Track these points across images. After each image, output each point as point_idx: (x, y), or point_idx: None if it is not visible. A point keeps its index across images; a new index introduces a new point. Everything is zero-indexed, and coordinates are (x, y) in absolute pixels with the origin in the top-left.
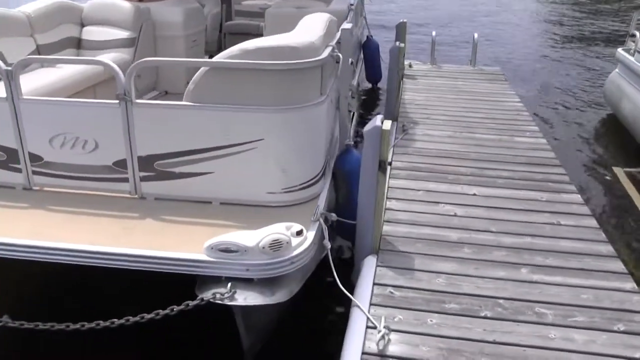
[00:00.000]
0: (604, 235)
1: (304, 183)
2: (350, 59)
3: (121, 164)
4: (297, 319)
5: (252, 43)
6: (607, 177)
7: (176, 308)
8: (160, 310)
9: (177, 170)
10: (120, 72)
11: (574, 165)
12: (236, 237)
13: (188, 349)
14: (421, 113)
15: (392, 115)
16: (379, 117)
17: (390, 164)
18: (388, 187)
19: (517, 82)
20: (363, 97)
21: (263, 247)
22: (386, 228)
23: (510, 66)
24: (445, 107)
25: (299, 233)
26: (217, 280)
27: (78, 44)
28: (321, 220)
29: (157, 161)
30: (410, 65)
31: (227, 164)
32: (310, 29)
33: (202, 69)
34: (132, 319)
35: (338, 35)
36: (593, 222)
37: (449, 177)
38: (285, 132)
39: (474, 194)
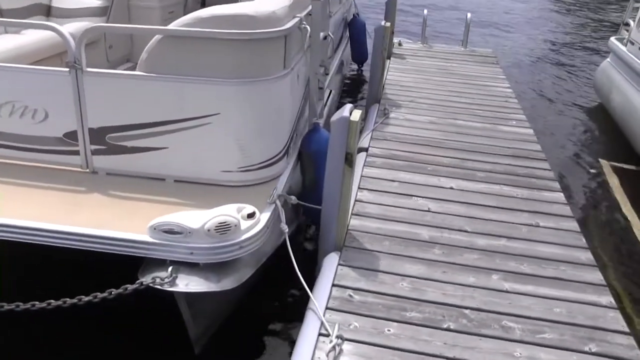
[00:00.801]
0: (584, 240)
1: (263, 162)
2: (323, 34)
3: (72, 136)
4: (254, 307)
5: (208, 10)
6: (593, 171)
7: (114, 291)
8: (99, 294)
9: (129, 144)
10: (71, 39)
11: (560, 157)
12: (180, 218)
13: (136, 335)
14: (405, 96)
15: (374, 97)
16: (348, 107)
17: (366, 150)
18: (362, 176)
19: (509, 66)
20: (347, 81)
21: (208, 230)
22: (354, 222)
23: (505, 50)
24: (430, 90)
25: (251, 215)
26: (162, 264)
27: (48, 11)
28: (278, 203)
29: (109, 134)
30: (399, 44)
31: (182, 139)
32: None
33: (155, 37)
34: (69, 301)
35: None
36: (574, 225)
37: (427, 167)
38: (242, 106)
39: (451, 188)
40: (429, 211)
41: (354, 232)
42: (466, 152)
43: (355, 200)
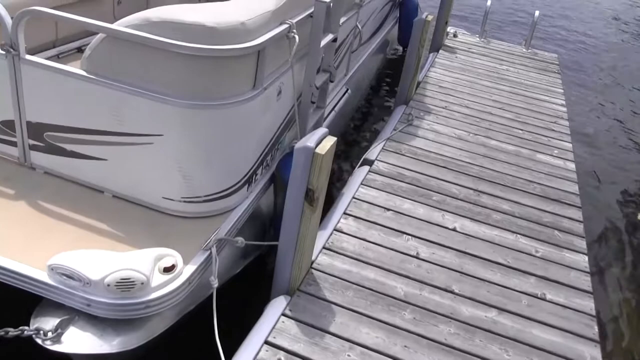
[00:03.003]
0: (596, 330)
1: (211, 195)
2: (332, 36)
3: (10, 125)
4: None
5: (159, 12)
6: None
7: None
8: None
9: (68, 147)
10: (7, 17)
11: (600, 207)
12: (80, 264)
13: None
14: (440, 100)
15: (403, 98)
16: (319, 133)
17: (371, 164)
18: (353, 197)
19: (573, 78)
20: (388, 71)
21: (108, 285)
22: (322, 259)
23: (576, 56)
24: (471, 97)
25: (168, 269)
26: (60, 307)
27: None
28: (213, 251)
29: (47, 132)
30: (454, 35)
31: (121, 154)
32: (256, 1)
33: (100, 34)
34: None
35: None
36: (589, 306)
37: (433, 197)
38: (189, 132)
39: (454, 229)
40: (415, 257)
41: (316, 272)
42: (486, 184)
43: (334, 230)
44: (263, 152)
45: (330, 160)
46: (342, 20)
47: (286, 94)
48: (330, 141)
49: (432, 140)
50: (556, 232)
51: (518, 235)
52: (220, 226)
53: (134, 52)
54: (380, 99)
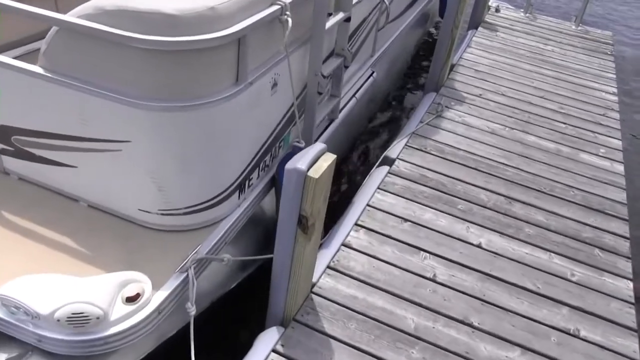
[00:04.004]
0: None
1: (193, 207)
2: (339, 17)
3: None
4: None
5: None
6: None
7: None
8: None
9: (37, 152)
10: None
11: None
12: (28, 295)
13: None
14: (475, 86)
15: (433, 84)
16: (314, 150)
17: (391, 163)
18: (367, 205)
19: (631, 60)
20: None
21: (58, 320)
22: (324, 281)
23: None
24: (510, 83)
25: (132, 299)
26: (15, 340)
27: None
28: (190, 273)
29: (15, 135)
30: (496, 10)
31: (91, 161)
32: None
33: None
34: None
35: None
36: (632, 347)
37: (458, 205)
38: (159, 137)
39: (479, 245)
40: (431, 280)
41: (316, 298)
42: (520, 189)
43: (342, 245)
44: (258, 153)
45: (329, 182)
46: None
47: (285, 85)
48: (327, 160)
49: (462, 136)
50: (597, 250)
51: (552, 254)
52: (202, 243)
53: (91, 46)
54: (415, 83)
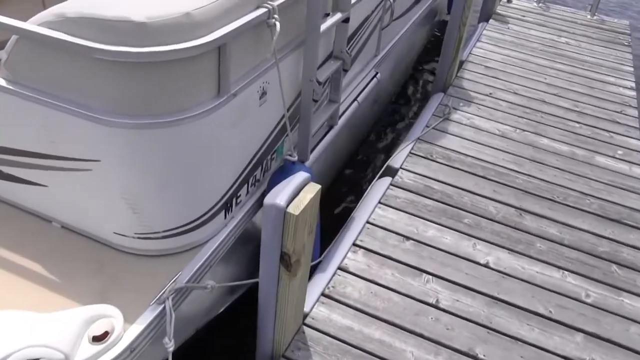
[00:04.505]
0: None
1: (172, 230)
2: (335, 18)
3: None
4: None
5: (79, 4)
6: None
7: None
8: None
9: (4, 169)
10: None
11: None
12: None
13: None
14: (484, 84)
15: (440, 84)
16: (295, 181)
17: (395, 173)
18: (367, 221)
19: None
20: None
21: None
22: (318, 310)
23: None
24: (521, 79)
25: (99, 339)
26: None
27: None
28: (167, 305)
29: None
30: (508, 0)
31: (60, 180)
32: None
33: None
34: None
35: None
36: None
37: (464, 219)
38: (130, 156)
39: (486, 265)
40: (434, 306)
41: (309, 331)
42: (532, 199)
43: (338, 268)
44: (246, 168)
45: (313, 214)
46: None
47: (276, 94)
48: (310, 192)
49: (471, 140)
50: (614, 266)
51: (565, 273)
52: (182, 270)
53: (55, 56)
54: (423, 82)
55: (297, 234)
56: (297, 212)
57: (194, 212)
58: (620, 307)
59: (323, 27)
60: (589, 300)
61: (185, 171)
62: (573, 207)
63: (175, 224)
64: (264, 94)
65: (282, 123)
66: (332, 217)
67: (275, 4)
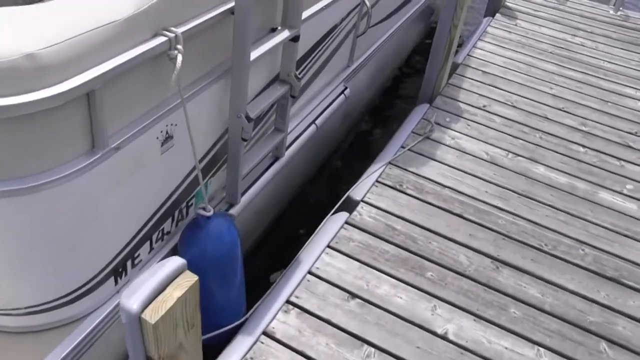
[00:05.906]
0: None
1: (38, 306)
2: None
3: None
4: None
5: None
6: None
7: None
8: None
9: None
10: None
11: None
12: None
13: None
14: (479, 94)
15: (426, 94)
16: (162, 273)
17: (354, 207)
18: (308, 273)
19: None
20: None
21: None
22: None
23: None
24: (523, 89)
25: None
26: None
27: None
28: None
29: None
30: None
31: None
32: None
33: None
34: None
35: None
36: None
37: (428, 272)
38: None
39: (444, 336)
40: None
41: None
42: (513, 247)
43: (262, 333)
44: (146, 225)
45: (191, 310)
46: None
47: (187, 136)
48: (179, 288)
49: (452, 166)
50: (603, 344)
51: (541, 350)
52: (51, 351)
53: None
54: (408, 90)
55: (160, 342)
56: (152, 321)
57: (67, 285)
58: None
59: (260, 50)
60: None
61: (52, 241)
62: (562, 260)
63: (42, 300)
64: (168, 138)
65: (199, 165)
66: (275, 254)
67: (183, 29)
